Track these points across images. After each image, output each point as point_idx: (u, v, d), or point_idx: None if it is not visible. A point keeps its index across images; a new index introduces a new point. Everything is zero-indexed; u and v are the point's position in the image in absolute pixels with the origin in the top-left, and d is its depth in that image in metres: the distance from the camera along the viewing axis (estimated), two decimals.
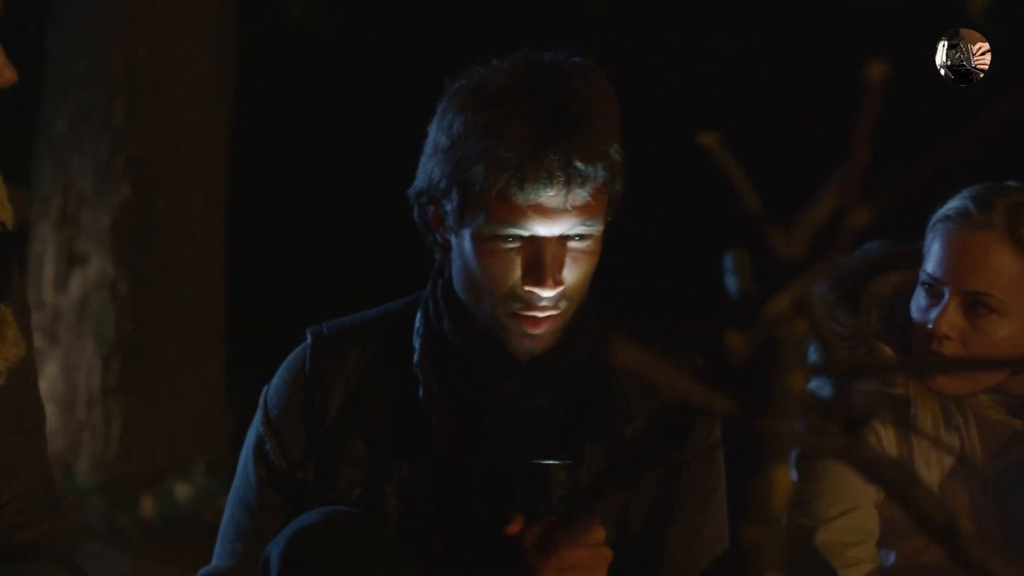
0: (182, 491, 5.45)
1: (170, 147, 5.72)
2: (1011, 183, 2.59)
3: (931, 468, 2.59)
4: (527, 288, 2.20)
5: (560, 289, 2.20)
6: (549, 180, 2.15)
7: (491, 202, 2.17)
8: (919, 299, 2.58)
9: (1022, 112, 1.21)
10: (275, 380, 2.39)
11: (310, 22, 6.31)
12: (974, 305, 2.54)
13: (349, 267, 6.32)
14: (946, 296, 2.54)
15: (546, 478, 2.17)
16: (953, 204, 2.57)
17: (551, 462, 2.18)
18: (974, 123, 1.16)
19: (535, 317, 2.21)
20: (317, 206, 6.48)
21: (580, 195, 2.18)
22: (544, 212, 2.16)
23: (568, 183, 2.16)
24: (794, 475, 2.63)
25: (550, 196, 2.16)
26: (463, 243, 2.23)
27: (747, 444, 1.18)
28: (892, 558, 2.65)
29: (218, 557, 2.38)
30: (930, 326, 2.54)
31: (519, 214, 2.17)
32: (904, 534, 2.62)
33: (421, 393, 2.28)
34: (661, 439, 1.85)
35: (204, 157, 5.78)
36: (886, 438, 2.58)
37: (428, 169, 2.24)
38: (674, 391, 1.22)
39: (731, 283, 1.31)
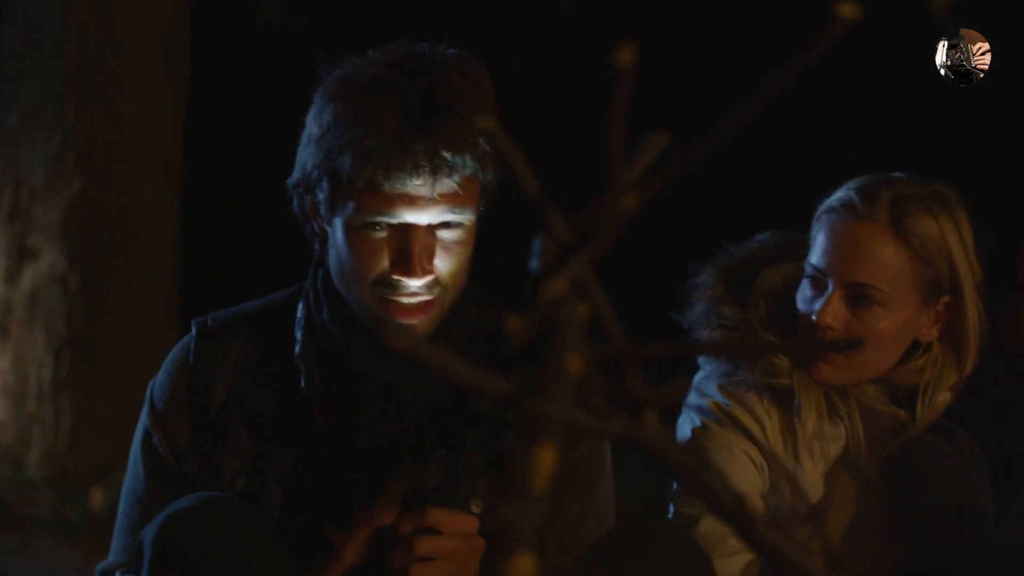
0: None
1: (121, 142, 5.73)
2: (898, 175, 2.59)
3: (816, 458, 2.59)
4: (395, 276, 2.21)
5: (430, 278, 2.21)
6: (415, 169, 2.16)
7: (359, 191, 2.18)
8: (804, 290, 2.58)
9: (794, 83, 1.22)
10: (161, 372, 2.40)
11: (284, 21, 6.31)
12: (858, 297, 2.54)
13: (303, 262, 6.32)
14: (830, 287, 2.54)
15: (421, 468, 2.18)
16: (838, 195, 2.57)
17: (426, 453, 2.18)
18: (747, 100, 1.17)
19: (405, 306, 2.21)
20: (270, 201, 6.48)
21: (448, 184, 2.18)
22: (411, 201, 2.17)
23: (435, 172, 2.17)
24: None
25: (417, 185, 2.17)
26: (335, 232, 2.24)
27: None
28: None
29: (113, 552, 2.38)
30: (814, 317, 2.55)
31: (387, 203, 2.17)
32: (789, 524, 2.63)
33: (303, 384, 2.29)
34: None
35: (156, 152, 5.79)
36: (770, 428, 2.59)
37: (303, 159, 2.25)
38: (447, 374, 1.23)
39: (533, 266, 1.32)
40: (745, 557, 2.55)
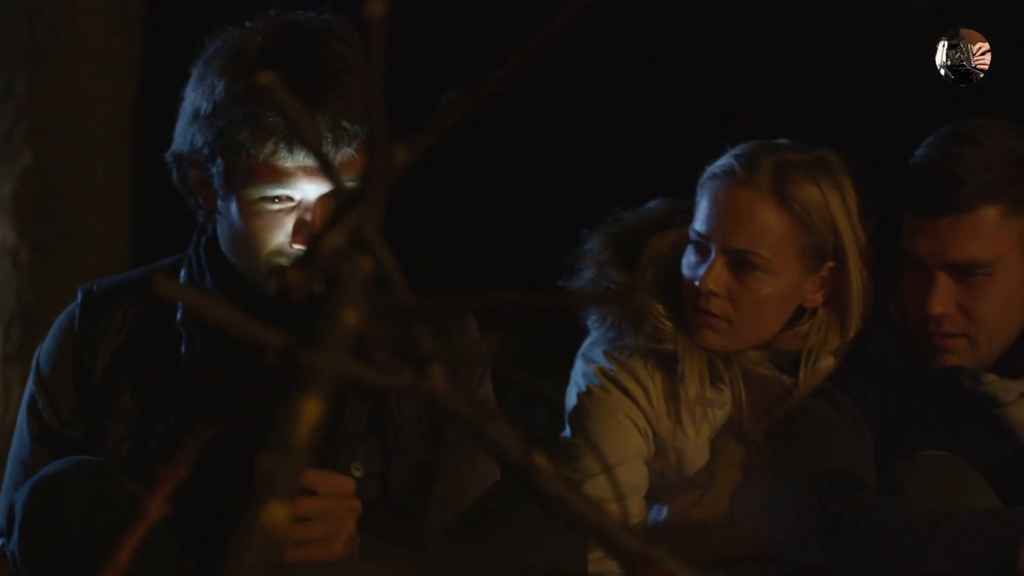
0: None
1: (73, 115, 5.71)
2: (782, 141, 2.59)
3: (699, 423, 2.60)
4: (295, 246, 2.23)
5: None
6: (318, 142, 2.15)
7: (259, 166, 2.20)
8: (689, 256, 2.59)
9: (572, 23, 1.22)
10: (47, 339, 2.41)
11: None
12: (740, 263, 2.54)
13: None
14: (713, 253, 2.55)
15: None
16: (721, 162, 2.58)
17: None
18: (524, 42, 1.17)
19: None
20: None
21: (347, 153, 2.20)
22: (313, 173, 2.19)
23: (336, 143, 2.18)
24: (567, 432, 2.65)
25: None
26: (230, 206, 2.25)
27: None
28: (664, 513, 2.67)
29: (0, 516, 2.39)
30: (697, 283, 2.55)
31: (288, 176, 2.19)
32: (675, 490, 2.65)
33: (183, 349, 2.30)
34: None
35: (108, 126, 5.76)
36: (655, 394, 2.60)
37: (189, 135, 2.25)
38: (222, 325, 1.24)
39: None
40: (629, 522, 2.57)
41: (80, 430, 2.32)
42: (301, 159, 2.18)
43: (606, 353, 2.63)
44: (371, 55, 1.13)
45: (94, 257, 5.68)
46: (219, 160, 2.22)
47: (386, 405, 2.32)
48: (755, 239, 2.53)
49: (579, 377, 2.65)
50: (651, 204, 2.70)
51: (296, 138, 2.16)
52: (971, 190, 2.40)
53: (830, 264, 2.58)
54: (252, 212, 2.22)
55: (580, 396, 2.64)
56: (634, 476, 2.59)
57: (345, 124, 2.18)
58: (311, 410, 1.18)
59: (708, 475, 2.62)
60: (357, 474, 2.30)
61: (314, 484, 2.18)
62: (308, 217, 2.21)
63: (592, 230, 2.66)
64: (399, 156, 1.21)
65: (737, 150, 2.58)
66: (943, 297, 2.42)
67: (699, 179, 2.59)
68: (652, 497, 2.67)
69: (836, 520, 2.20)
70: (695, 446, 2.62)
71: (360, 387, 2.30)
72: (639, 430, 2.60)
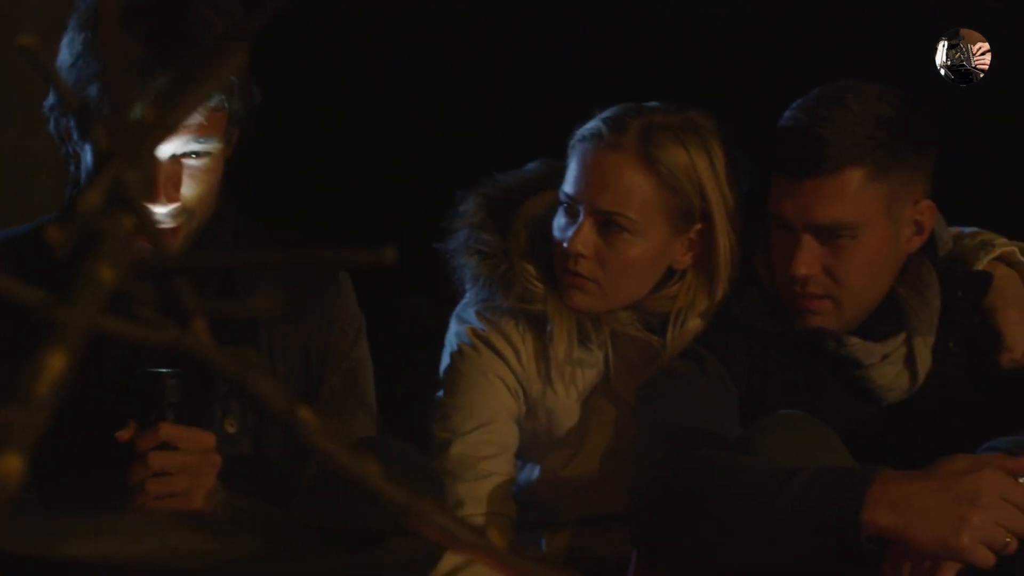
0: None
1: (22, 79, 5.72)
2: (653, 104, 2.62)
3: (568, 384, 2.63)
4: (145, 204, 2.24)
5: (175, 205, 2.27)
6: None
7: (104, 121, 2.21)
8: (559, 218, 2.62)
9: None
10: None
11: None
12: (608, 224, 2.57)
13: None
14: (581, 215, 2.58)
15: (157, 385, 2.22)
16: (589, 125, 2.60)
17: (161, 370, 2.22)
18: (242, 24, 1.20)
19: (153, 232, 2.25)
20: None
21: (195, 116, 2.22)
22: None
23: None
24: (440, 392, 2.68)
25: None
26: (86, 158, 2.29)
27: None
28: (536, 472, 2.70)
29: None
30: (566, 244, 2.58)
31: None
32: (546, 449, 2.68)
33: None
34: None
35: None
36: (525, 353, 2.63)
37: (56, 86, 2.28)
38: None
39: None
40: (497, 479, 2.60)
41: None
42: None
43: (478, 314, 2.66)
44: (101, 23, 1.16)
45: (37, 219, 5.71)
46: (71, 112, 2.26)
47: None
48: (622, 201, 2.55)
49: (452, 337, 2.68)
50: (529, 166, 2.72)
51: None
52: (836, 152, 2.41)
53: (698, 226, 2.60)
54: None
55: (452, 356, 2.67)
56: (503, 436, 2.62)
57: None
58: (56, 363, 1.21)
59: (579, 435, 2.65)
60: (231, 430, 2.35)
61: (174, 439, 2.21)
62: (153, 176, 2.24)
63: (467, 192, 2.69)
64: (147, 115, 1.24)
65: (606, 113, 2.60)
66: (808, 259, 2.43)
67: (569, 142, 2.61)
68: (524, 456, 2.70)
69: (690, 476, 2.22)
70: (565, 406, 2.64)
71: (226, 339, 2.33)
72: (509, 390, 2.63)
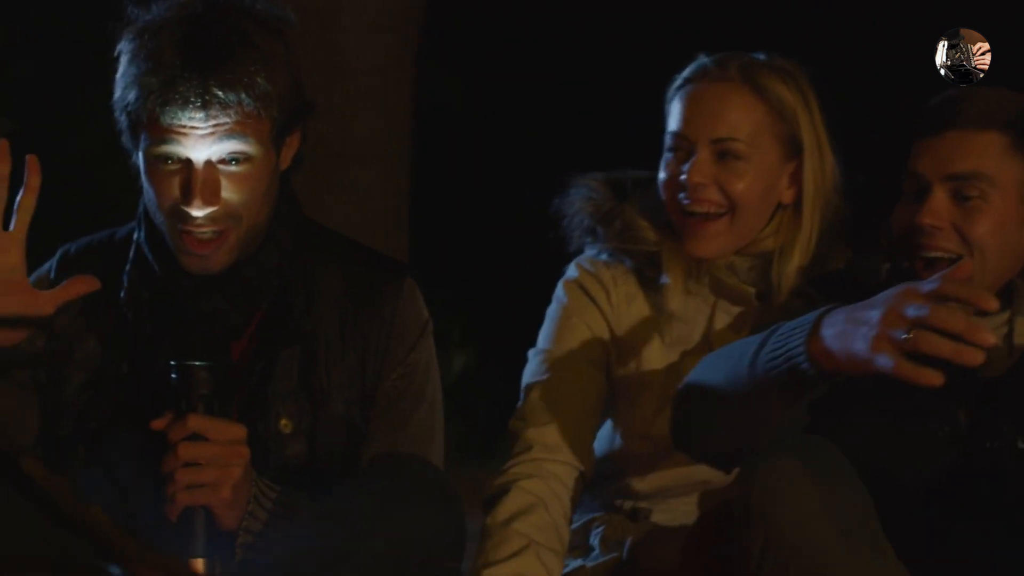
0: None
1: (339, 72, 5.75)
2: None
3: (664, 333, 2.67)
4: (183, 207, 2.30)
5: (213, 209, 2.30)
6: (185, 104, 2.26)
7: (147, 126, 2.29)
8: (666, 168, 2.68)
9: None
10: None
11: None
12: (723, 154, 2.64)
13: None
14: (695, 152, 2.64)
15: (189, 377, 2.24)
16: (691, 67, 2.70)
17: (194, 363, 2.24)
18: None
19: (198, 236, 2.31)
20: None
21: (223, 120, 2.27)
22: (186, 134, 2.27)
23: (206, 108, 2.26)
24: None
25: (190, 119, 2.27)
26: (139, 163, 2.35)
27: None
28: (622, 428, 2.71)
29: None
30: (683, 178, 2.64)
31: (168, 135, 2.27)
32: (636, 399, 2.68)
33: (123, 296, 2.40)
34: None
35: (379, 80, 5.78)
36: (616, 295, 2.69)
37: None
38: None
39: None
40: (565, 426, 2.61)
41: (44, 375, 2.40)
42: (175, 120, 2.26)
43: (577, 265, 2.75)
44: None
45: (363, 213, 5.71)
46: (123, 118, 2.33)
47: (315, 367, 2.40)
48: (735, 126, 2.63)
49: (559, 287, 2.76)
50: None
51: (169, 98, 2.25)
52: (983, 109, 2.37)
53: (797, 160, 2.68)
54: (150, 171, 2.32)
55: (552, 305, 2.75)
56: (582, 382, 2.65)
57: (217, 91, 2.26)
58: None
59: (671, 387, 2.57)
60: (286, 430, 2.38)
61: (204, 430, 2.23)
62: (191, 179, 2.31)
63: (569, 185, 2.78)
64: None
65: (703, 56, 2.70)
66: (937, 207, 2.36)
67: (666, 95, 2.69)
68: (614, 410, 2.72)
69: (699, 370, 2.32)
70: (659, 354, 2.68)
71: (291, 348, 2.39)
72: (595, 334, 2.69)
